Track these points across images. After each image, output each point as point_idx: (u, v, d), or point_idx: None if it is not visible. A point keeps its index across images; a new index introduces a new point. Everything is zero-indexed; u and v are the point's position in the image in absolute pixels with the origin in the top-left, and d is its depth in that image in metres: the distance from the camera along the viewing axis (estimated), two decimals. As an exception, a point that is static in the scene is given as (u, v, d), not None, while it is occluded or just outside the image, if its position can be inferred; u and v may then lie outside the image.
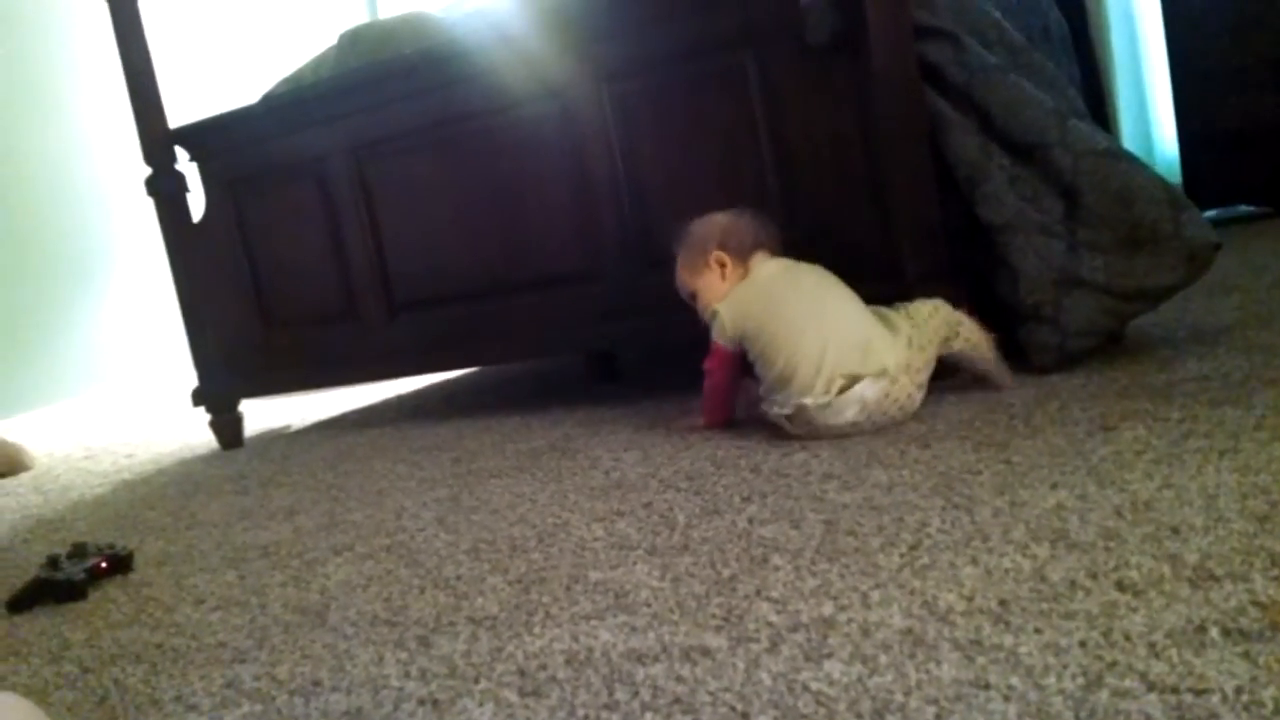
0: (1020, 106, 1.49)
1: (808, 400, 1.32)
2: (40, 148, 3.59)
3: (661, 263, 1.77)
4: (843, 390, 1.31)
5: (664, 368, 2.25)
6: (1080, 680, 0.63)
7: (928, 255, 1.50)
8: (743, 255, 1.50)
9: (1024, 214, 1.46)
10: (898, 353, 1.34)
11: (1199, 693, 0.59)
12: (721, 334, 1.47)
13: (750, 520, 1.06)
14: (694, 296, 1.54)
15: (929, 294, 1.44)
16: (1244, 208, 2.91)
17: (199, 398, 2.31)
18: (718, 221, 1.52)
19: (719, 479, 1.24)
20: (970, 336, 1.42)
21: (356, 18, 4.63)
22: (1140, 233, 1.40)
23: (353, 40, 2.20)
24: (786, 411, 1.35)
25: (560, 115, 1.83)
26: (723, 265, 1.49)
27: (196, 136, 2.25)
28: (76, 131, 3.71)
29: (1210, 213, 2.88)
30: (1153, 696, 0.59)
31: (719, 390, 1.52)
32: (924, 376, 1.36)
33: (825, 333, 1.35)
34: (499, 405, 2.18)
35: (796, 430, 1.36)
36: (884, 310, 1.42)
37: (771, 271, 1.48)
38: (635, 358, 2.44)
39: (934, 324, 1.40)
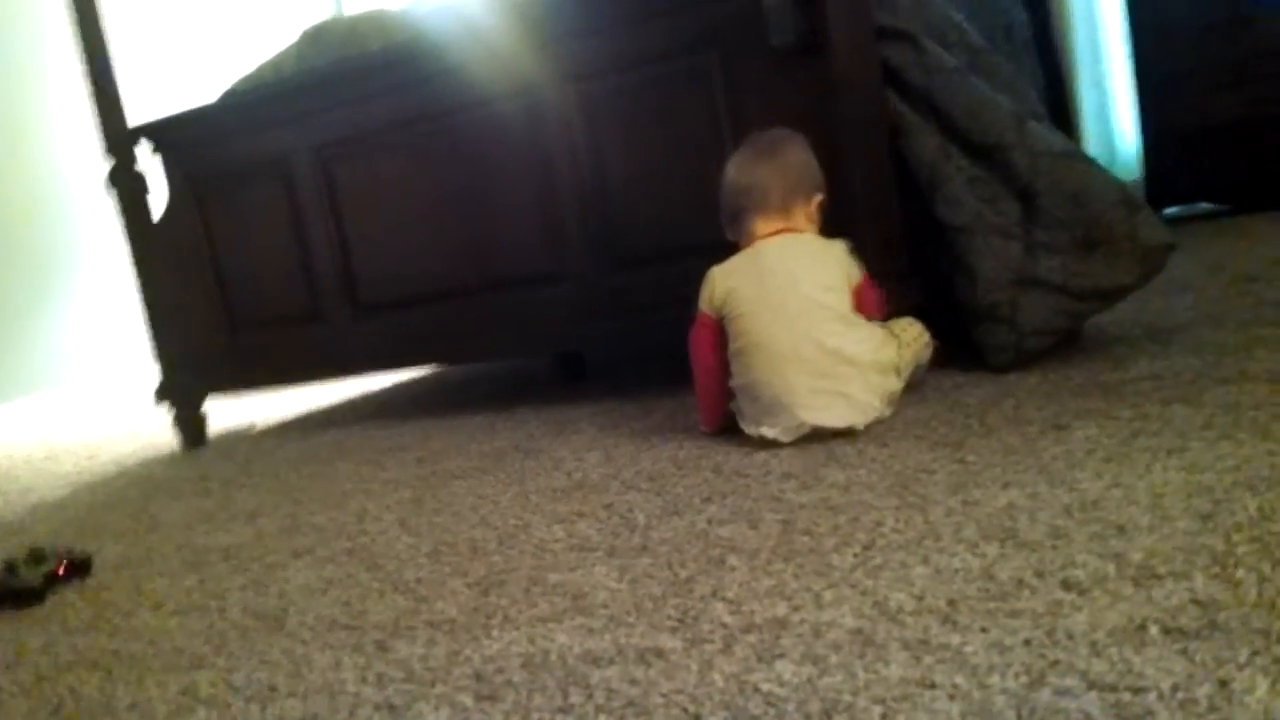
0: (980, 108, 1.50)
1: (770, 435, 1.30)
2: (1, 144, 3.53)
3: (628, 262, 1.78)
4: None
5: (630, 368, 2.25)
6: (1023, 679, 0.64)
7: (888, 257, 1.51)
8: (747, 226, 1.41)
9: (982, 216, 1.47)
10: (884, 385, 1.32)
11: (1136, 691, 0.60)
12: (704, 299, 1.40)
13: (709, 521, 1.06)
14: None
15: (890, 296, 1.46)
16: (1205, 205, 2.95)
17: (162, 395, 2.29)
18: (742, 178, 1.41)
19: (680, 479, 1.25)
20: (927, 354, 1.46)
21: (320, 14, 4.60)
22: (1095, 233, 1.42)
23: (315, 37, 2.18)
24: (746, 426, 1.35)
25: (527, 114, 1.83)
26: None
27: (158, 133, 2.22)
28: (39, 128, 3.66)
29: (1172, 210, 2.92)
30: (1092, 695, 0.61)
31: (705, 372, 1.41)
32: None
33: (807, 364, 1.28)
34: (464, 405, 2.17)
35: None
36: (878, 329, 1.38)
37: (773, 255, 1.36)
38: (602, 358, 2.44)
39: (917, 347, 1.42)
